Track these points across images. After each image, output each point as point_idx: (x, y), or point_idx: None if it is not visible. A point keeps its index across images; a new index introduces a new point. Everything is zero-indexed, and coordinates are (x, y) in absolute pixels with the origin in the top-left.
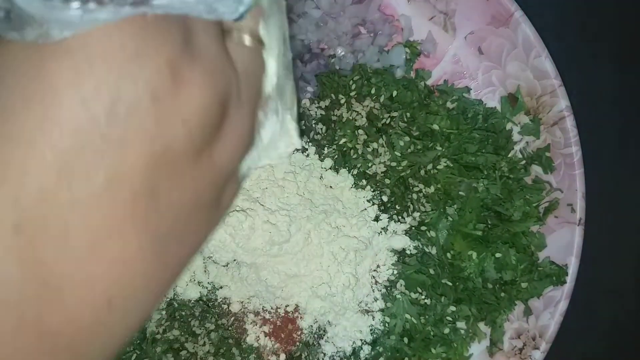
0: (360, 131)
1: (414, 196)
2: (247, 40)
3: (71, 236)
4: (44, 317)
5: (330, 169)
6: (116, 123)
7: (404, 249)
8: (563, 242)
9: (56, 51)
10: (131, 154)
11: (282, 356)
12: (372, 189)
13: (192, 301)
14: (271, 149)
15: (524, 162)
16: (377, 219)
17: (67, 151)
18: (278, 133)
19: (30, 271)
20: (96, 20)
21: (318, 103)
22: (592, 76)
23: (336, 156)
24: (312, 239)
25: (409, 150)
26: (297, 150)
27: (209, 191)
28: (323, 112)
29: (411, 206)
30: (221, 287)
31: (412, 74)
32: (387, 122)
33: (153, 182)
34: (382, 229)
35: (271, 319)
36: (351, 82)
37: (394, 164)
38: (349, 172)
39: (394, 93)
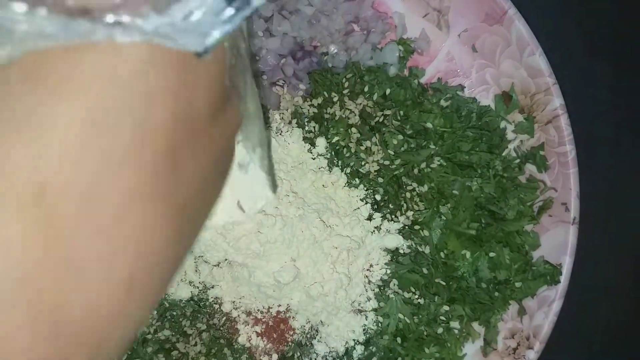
0: (353, 129)
1: (408, 195)
2: None
3: (94, 203)
4: (63, 305)
5: (323, 167)
6: (143, 77)
7: (397, 248)
8: (557, 241)
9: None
10: (157, 110)
11: (275, 356)
12: (365, 188)
13: (184, 301)
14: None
15: (518, 160)
16: (370, 218)
17: (95, 104)
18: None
19: (52, 250)
20: (44, 35)
21: (310, 101)
22: (586, 74)
23: (329, 155)
24: (304, 239)
25: (403, 149)
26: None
27: (220, 157)
28: (316, 110)
29: (404, 205)
30: (212, 287)
31: (406, 72)
32: (381, 120)
33: (175, 142)
34: (375, 228)
35: (263, 319)
36: (344, 80)
37: (387, 162)
38: (342, 171)
39: (387, 91)
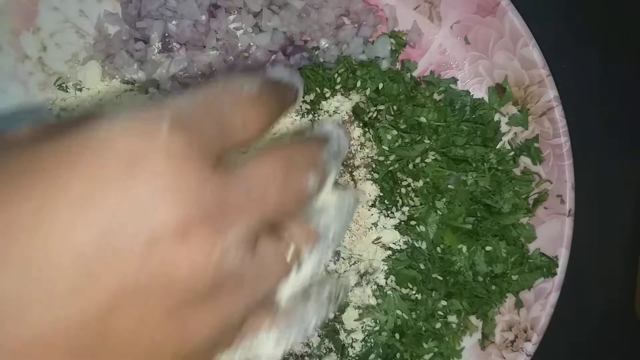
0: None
1: (403, 190)
2: (285, 239)
3: None
4: None
5: None
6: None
7: (393, 244)
8: (553, 233)
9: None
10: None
11: None
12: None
13: None
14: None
15: (512, 153)
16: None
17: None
18: (266, 349)
19: None
20: None
21: (303, 97)
22: (580, 65)
23: None
24: None
25: (397, 144)
26: None
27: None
28: (308, 107)
29: (400, 201)
30: None
31: (398, 66)
32: (374, 115)
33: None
34: (372, 224)
35: None
36: (336, 75)
37: (381, 158)
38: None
39: (380, 86)
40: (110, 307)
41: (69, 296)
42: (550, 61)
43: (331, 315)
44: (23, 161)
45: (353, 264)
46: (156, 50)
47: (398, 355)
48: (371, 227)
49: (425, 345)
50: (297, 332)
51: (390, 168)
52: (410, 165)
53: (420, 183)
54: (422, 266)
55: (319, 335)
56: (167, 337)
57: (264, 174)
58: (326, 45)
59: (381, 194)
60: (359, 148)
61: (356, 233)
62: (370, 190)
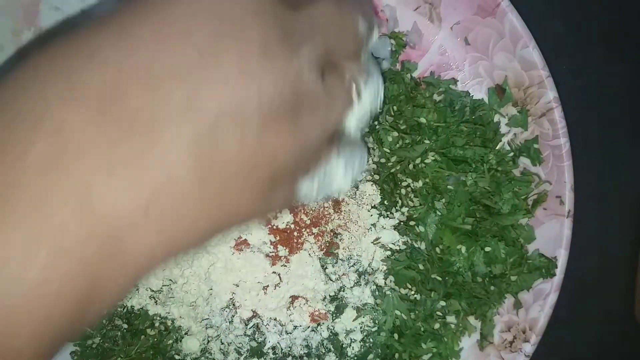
0: None
1: (402, 191)
2: (347, 76)
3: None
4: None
5: None
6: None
7: (392, 245)
8: (552, 234)
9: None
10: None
11: None
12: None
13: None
14: (326, 186)
15: (511, 154)
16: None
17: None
18: (337, 176)
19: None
20: None
21: None
22: (580, 65)
23: None
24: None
25: (398, 145)
26: None
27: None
28: None
29: (399, 201)
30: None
31: (398, 66)
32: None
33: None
34: (371, 225)
35: None
36: None
37: (383, 160)
38: None
39: None
40: (217, 124)
41: (180, 118)
42: (550, 61)
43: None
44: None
45: (352, 265)
46: None
47: (397, 355)
48: (370, 228)
49: (423, 346)
50: (359, 161)
51: (392, 170)
52: (411, 166)
53: (419, 183)
54: (421, 266)
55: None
56: (261, 156)
57: (323, 12)
58: None
59: (381, 196)
60: None
61: (355, 234)
62: (371, 191)
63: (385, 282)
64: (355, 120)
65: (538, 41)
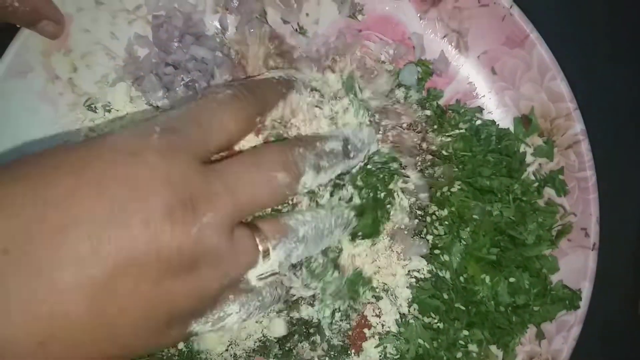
0: None
1: (428, 219)
2: (258, 236)
3: None
4: None
5: None
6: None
7: (417, 273)
8: (576, 266)
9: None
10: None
11: None
12: None
13: None
14: (218, 324)
15: (536, 184)
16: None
17: None
18: (230, 317)
19: None
20: None
21: None
22: (586, 66)
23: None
24: None
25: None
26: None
27: (158, 312)
28: None
29: (424, 229)
30: None
31: (424, 93)
32: None
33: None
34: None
35: None
36: None
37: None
38: None
39: None
40: (115, 272)
41: (81, 264)
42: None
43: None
44: (49, 164)
45: (377, 292)
46: (185, 79)
47: None
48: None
49: None
50: (255, 307)
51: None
52: (438, 194)
53: (445, 212)
54: (445, 296)
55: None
56: (158, 300)
57: (236, 169)
58: None
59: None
60: None
61: (385, 262)
62: (400, 219)
63: (409, 310)
64: (256, 274)
65: (547, 39)
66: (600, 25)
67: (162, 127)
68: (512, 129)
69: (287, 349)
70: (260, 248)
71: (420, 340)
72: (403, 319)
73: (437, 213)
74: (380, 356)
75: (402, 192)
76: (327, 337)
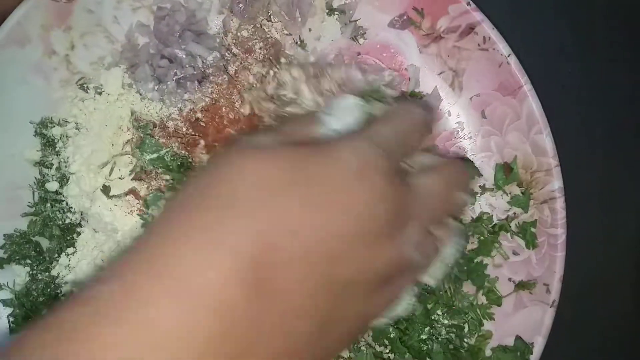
0: None
1: None
2: (437, 242)
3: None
4: None
5: None
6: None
7: None
8: (533, 320)
9: None
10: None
11: None
12: None
13: None
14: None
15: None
16: None
17: None
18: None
19: None
20: None
21: None
22: (584, 67)
23: None
24: None
25: None
26: None
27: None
28: None
29: None
30: None
31: None
32: None
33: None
34: None
35: None
36: None
37: None
38: None
39: None
40: (336, 291)
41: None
42: (555, 63)
43: None
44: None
45: None
46: (178, 75)
47: None
48: None
49: None
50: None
51: None
52: None
53: None
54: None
55: None
56: (366, 310)
57: (433, 189)
58: None
59: None
60: None
61: None
62: None
63: (362, 337)
64: (429, 274)
65: (543, 43)
66: (599, 27)
67: (376, 143)
68: (492, 174)
69: None
70: (439, 249)
71: None
72: (355, 345)
73: None
74: None
75: None
76: None
